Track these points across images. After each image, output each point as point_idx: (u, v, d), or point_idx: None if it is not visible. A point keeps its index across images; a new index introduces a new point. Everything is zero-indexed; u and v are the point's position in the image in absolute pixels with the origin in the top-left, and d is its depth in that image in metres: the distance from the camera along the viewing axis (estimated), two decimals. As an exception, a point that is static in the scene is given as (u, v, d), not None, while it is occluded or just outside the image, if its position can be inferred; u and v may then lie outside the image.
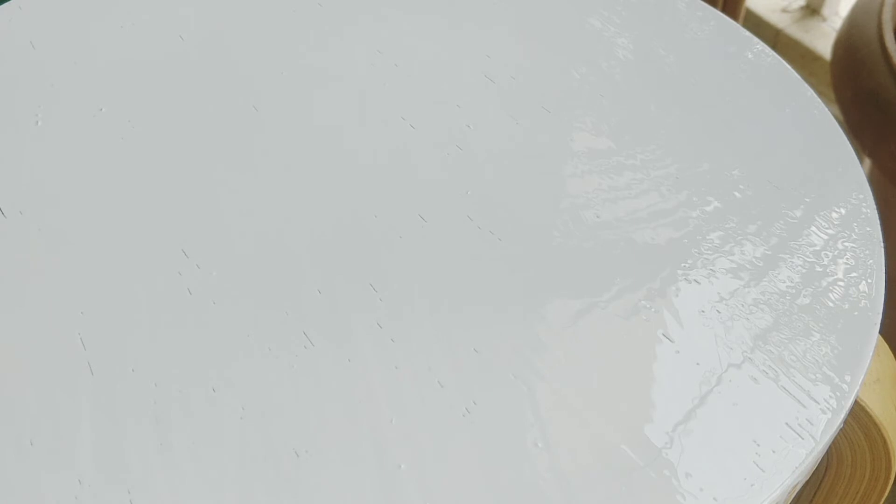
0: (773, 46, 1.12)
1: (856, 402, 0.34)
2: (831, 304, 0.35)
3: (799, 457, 0.30)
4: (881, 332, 0.35)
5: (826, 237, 0.38)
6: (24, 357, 0.34)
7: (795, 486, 0.31)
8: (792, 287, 0.36)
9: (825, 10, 1.29)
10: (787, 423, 0.31)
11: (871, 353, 0.34)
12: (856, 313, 0.35)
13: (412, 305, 0.35)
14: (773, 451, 0.31)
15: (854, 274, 0.37)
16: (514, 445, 0.31)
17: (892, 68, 0.68)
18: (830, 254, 0.37)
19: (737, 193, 0.40)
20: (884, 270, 0.37)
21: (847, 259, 0.37)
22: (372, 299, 0.35)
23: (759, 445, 0.31)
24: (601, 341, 0.34)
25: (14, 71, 0.47)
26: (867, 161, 0.74)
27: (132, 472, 0.30)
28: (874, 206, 0.40)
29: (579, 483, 0.30)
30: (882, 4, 0.73)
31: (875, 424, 0.36)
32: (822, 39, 1.26)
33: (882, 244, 0.38)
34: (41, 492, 0.30)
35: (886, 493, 0.39)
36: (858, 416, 0.36)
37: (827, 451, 0.33)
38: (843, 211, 0.39)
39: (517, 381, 0.33)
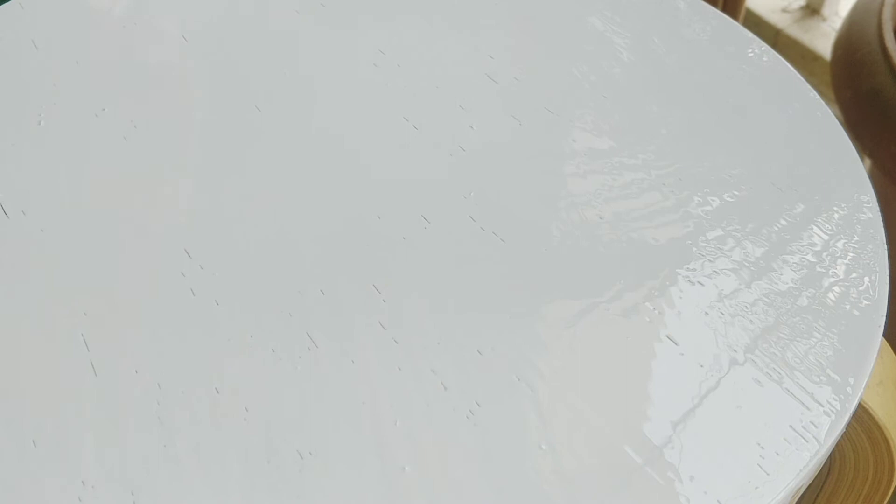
0: (773, 46, 1.12)
1: (859, 405, 0.34)
2: (834, 306, 0.35)
3: (803, 460, 0.30)
4: (884, 335, 0.35)
5: (828, 237, 0.38)
6: (27, 358, 0.34)
7: (799, 489, 0.31)
8: (794, 288, 0.36)
9: (825, 10, 1.30)
10: (790, 426, 0.31)
11: (874, 356, 0.34)
12: (859, 315, 0.35)
13: (415, 307, 0.35)
14: (777, 454, 0.31)
15: (855, 275, 0.37)
16: (518, 447, 0.31)
17: (892, 68, 0.68)
18: (833, 255, 0.37)
19: (737, 193, 0.40)
20: (887, 272, 0.37)
21: (850, 260, 0.37)
22: (375, 300, 0.35)
23: (762, 448, 0.31)
24: (604, 342, 0.34)
25: (16, 71, 0.46)
26: (867, 161, 0.74)
27: (135, 474, 0.30)
28: (877, 207, 0.40)
29: (583, 485, 0.30)
30: (882, 4, 0.73)
31: (878, 427, 0.36)
32: (822, 39, 1.26)
33: (885, 245, 0.38)
34: (44, 493, 0.30)
35: (889, 496, 0.39)
36: (861, 419, 0.36)
37: (830, 454, 0.33)
38: (845, 211, 0.39)
39: (521, 383, 0.33)
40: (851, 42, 0.74)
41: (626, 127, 0.43)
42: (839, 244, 0.38)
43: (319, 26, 0.49)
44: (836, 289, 0.36)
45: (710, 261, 0.37)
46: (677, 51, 0.48)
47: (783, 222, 0.39)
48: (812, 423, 0.32)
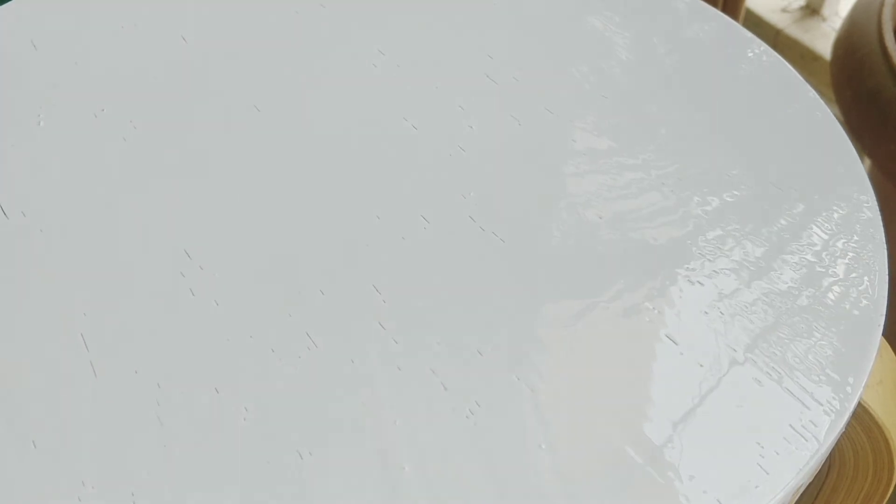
0: (773, 46, 1.12)
1: (858, 404, 0.34)
2: (834, 305, 0.35)
3: (803, 459, 0.30)
4: (883, 334, 0.35)
5: (827, 237, 0.38)
6: (27, 358, 0.34)
7: (799, 488, 0.31)
8: (794, 287, 0.36)
9: (825, 10, 1.29)
10: (790, 425, 0.31)
11: (874, 355, 0.34)
12: (858, 314, 0.35)
13: (415, 307, 0.35)
14: (777, 453, 0.31)
15: (855, 274, 0.37)
16: (518, 447, 0.31)
17: (892, 68, 0.68)
18: (833, 254, 0.37)
19: (737, 193, 0.40)
20: (886, 271, 0.37)
21: (849, 260, 0.37)
22: (375, 301, 0.35)
23: (762, 447, 0.31)
24: (604, 342, 0.34)
25: (16, 71, 0.46)
26: (867, 161, 0.74)
27: (135, 474, 0.30)
28: (876, 207, 0.40)
29: (583, 485, 0.30)
30: (882, 4, 0.73)
31: (878, 426, 0.36)
32: (822, 39, 1.26)
33: (885, 245, 0.38)
34: (44, 493, 0.30)
35: (888, 495, 0.39)
36: (861, 418, 0.36)
37: (829, 453, 0.33)
38: (844, 211, 0.39)
39: (520, 383, 0.33)
40: (851, 42, 0.74)
41: (626, 127, 0.43)
42: (839, 244, 0.38)
43: (319, 27, 0.49)
44: (836, 288, 0.36)
45: (709, 260, 0.37)
46: (677, 51, 0.48)
47: (783, 222, 0.39)
48: (812, 423, 0.32)
